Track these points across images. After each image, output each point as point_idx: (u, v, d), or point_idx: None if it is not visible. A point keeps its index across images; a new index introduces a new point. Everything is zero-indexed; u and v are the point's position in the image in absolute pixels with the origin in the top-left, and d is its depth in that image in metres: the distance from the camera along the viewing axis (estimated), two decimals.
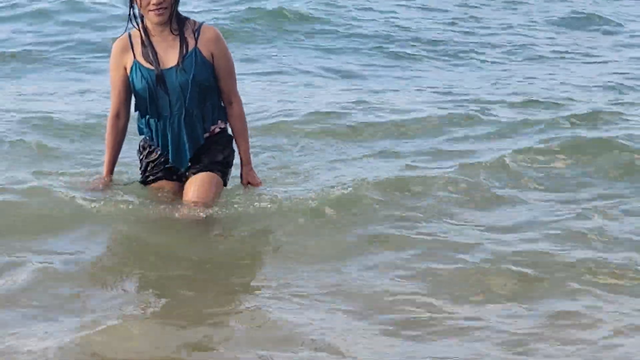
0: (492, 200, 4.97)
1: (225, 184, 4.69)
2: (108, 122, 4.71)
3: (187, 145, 4.56)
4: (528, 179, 5.30)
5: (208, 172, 4.57)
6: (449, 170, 5.35)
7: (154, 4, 4.34)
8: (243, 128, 4.69)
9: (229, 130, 4.73)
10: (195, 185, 4.56)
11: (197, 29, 4.54)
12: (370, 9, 11.56)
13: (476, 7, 12.04)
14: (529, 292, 3.79)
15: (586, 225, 4.56)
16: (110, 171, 4.77)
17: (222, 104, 4.68)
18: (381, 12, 11.44)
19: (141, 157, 4.73)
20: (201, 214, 4.48)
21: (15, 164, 5.39)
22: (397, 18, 11.10)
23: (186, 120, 4.55)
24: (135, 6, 4.42)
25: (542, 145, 5.82)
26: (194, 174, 4.59)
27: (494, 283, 3.88)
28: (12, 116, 6.48)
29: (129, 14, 4.49)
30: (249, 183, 4.73)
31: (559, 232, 4.49)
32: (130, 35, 4.53)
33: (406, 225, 4.55)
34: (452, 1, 12.27)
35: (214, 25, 4.90)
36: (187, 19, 4.57)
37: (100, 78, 7.74)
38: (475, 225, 4.59)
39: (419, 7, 11.85)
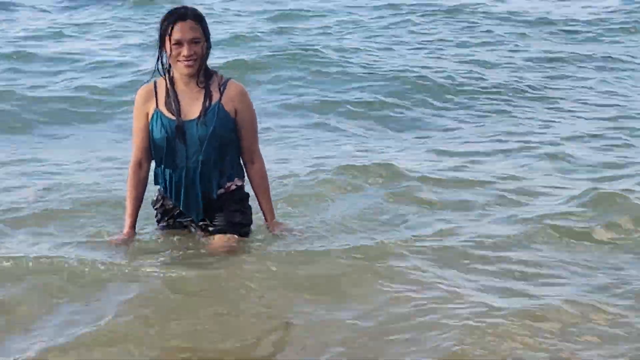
0: None
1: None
2: (129, 171, 4.62)
3: (199, 196, 4.49)
4: None
5: (229, 235, 4.51)
6: None
7: (184, 56, 4.34)
8: (265, 186, 4.63)
9: (246, 189, 4.66)
10: (220, 239, 4.50)
11: (224, 84, 4.51)
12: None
13: None
14: None
15: None
16: (132, 224, 4.62)
17: (242, 162, 4.61)
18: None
19: (156, 206, 4.66)
20: (233, 243, 4.45)
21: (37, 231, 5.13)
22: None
23: (202, 173, 4.47)
24: (164, 55, 4.39)
25: None
26: (216, 229, 4.52)
27: None
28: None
29: (157, 62, 4.45)
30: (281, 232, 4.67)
31: None
32: (155, 84, 4.50)
33: None
34: None
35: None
36: (215, 72, 4.52)
37: None
38: None
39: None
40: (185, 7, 4.44)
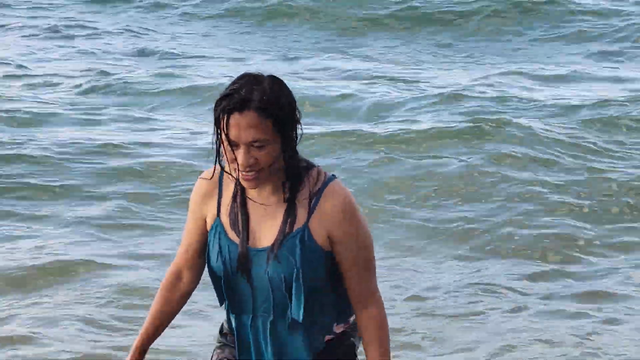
0: None
1: None
2: (163, 281, 3.04)
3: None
4: None
5: None
6: None
7: (242, 165, 2.73)
8: (381, 338, 2.89)
9: (351, 337, 2.99)
10: None
11: (318, 192, 2.83)
12: None
13: None
14: None
15: None
16: (139, 348, 3.02)
17: (340, 302, 2.95)
18: None
19: (221, 334, 3.10)
20: None
21: None
22: None
23: (276, 329, 2.91)
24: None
25: None
26: None
27: None
28: None
29: (216, 157, 2.82)
30: None
31: None
32: (223, 174, 2.89)
33: None
34: None
35: None
36: (310, 168, 2.86)
37: None
38: None
39: None
40: (249, 86, 2.72)
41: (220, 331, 3.10)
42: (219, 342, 3.08)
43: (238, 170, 2.72)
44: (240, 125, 2.67)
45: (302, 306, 2.80)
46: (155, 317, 3.01)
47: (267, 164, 2.72)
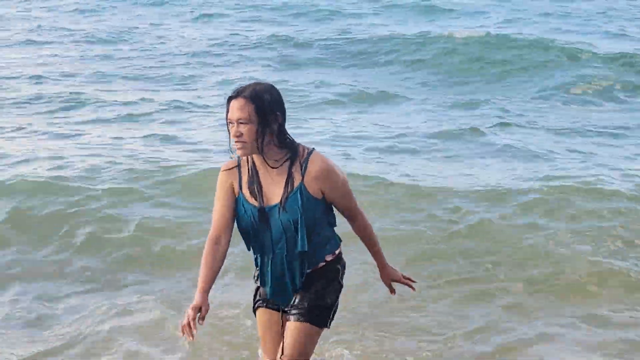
0: None
1: (328, 326, 4.25)
2: (206, 247, 4.20)
3: (288, 284, 4.18)
4: None
5: (305, 324, 4.14)
6: None
7: (232, 136, 3.97)
8: (370, 238, 4.32)
9: (337, 262, 4.28)
10: (292, 338, 4.14)
11: (305, 160, 4.05)
12: None
13: None
14: None
15: None
16: (204, 289, 4.12)
17: (331, 236, 4.24)
18: None
19: (255, 284, 4.37)
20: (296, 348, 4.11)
21: None
22: None
23: (288, 260, 4.14)
24: None
25: None
26: (294, 315, 4.17)
27: None
28: None
29: (230, 140, 4.05)
30: (392, 281, 4.43)
31: None
32: (239, 162, 4.13)
33: None
34: None
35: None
36: (296, 146, 4.08)
37: None
38: None
39: None
40: (249, 85, 4.05)
41: (253, 278, 4.38)
42: (256, 285, 4.38)
43: (235, 142, 3.96)
44: (233, 107, 3.98)
45: (305, 240, 4.07)
46: (208, 269, 4.16)
47: (249, 139, 3.94)
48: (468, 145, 10.11)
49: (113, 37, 18.83)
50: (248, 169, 4.11)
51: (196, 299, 4.11)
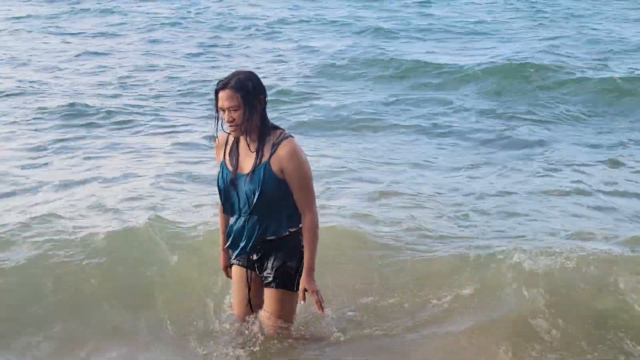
0: None
1: (295, 289, 4.88)
2: (219, 214, 5.11)
3: (244, 243, 4.86)
4: None
5: (278, 290, 4.86)
6: None
7: (227, 121, 4.64)
8: (311, 240, 4.78)
9: (299, 234, 4.86)
10: (270, 307, 4.93)
11: (277, 143, 4.68)
12: None
13: None
14: None
15: None
16: (225, 250, 5.11)
17: (293, 212, 4.81)
18: None
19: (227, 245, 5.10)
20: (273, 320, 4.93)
21: None
22: None
23: (250, 223, 4.81)
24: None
25: None
26: (266, 283, 4.90)
27: None
28: None
29: (215, 122, 4.74)
30: (305, 290, 4.84)
31: None
32: (228, 136, 4.81)
33: None
34: None
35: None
36: (275, 129, 4.73)
37: None
38: None
39: None
40: (232, 76, 4.65)
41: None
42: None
43: (227, 126, 4.66)
44: (222, 98, 4.66)
45: (255, 208, 4.74)
46: (222, 233, 5.08)
47: (240, 122, 4.64)
48: None
49: None
50: (232, 143, 4.84)
51: (223, 259, 5.15)
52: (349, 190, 8.43)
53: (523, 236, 7.12)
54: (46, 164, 9.38)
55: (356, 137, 11.07)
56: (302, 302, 4.87)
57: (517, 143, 10.71)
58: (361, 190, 8.45)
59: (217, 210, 5.16)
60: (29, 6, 24.37)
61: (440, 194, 8.41)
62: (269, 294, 4.93)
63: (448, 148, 10.53)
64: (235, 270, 5.08)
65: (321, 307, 4.81)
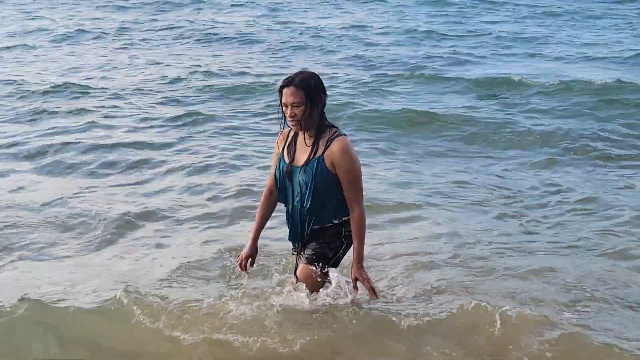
0: None
1: (323, 271, 5.20)
2: (262, 198, 5.44)
3: (299, 232, 5.23)
4: None
5: (306, 266, 5.21)
6: None
7: (289, 116, 5.02)
8: (359, 232, 5.12)
9: (342, 225, 5.18)
10: (300, 278, 5.28)
11: (331, 139, 5.05)
12: None
13: None
14: None
15: None
16: (254, 239, 5.42)
17: (340, 204, 5.13)
18: None
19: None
20: (306, 277, 5.24)
21: None
22: None
23: (302, 213, 5.18)
24: None
25: None
26: (301, 260, 5.26)
27: None
28: None
29: (282, 117, 5.10)
30: (356, 279, 5.17)
31: None
32: (289, 132, 5.22)
33: None
34: None
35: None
36: (331, 127, 5.10)
37: None
38: None
39: None
40: (297, 74, 5.04)
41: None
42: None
43: (289, 121, 5.03)
44: (287, 94, 5.05)
45: (309, 200, 5.10)
46: (261, 219, 5.47)
47: (301, 117, 5.00)
48: None
49: None
50: (292, 138, 5.23)
51: (248, 247, 5.41)
52: None
53: None
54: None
55: None
56: (355, 291, 5.20)
57: None
58: None
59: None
60: None
61: None
62: (300, 269, 5.27)
63: None
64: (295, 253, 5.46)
65: (374, 292, 5.19)
